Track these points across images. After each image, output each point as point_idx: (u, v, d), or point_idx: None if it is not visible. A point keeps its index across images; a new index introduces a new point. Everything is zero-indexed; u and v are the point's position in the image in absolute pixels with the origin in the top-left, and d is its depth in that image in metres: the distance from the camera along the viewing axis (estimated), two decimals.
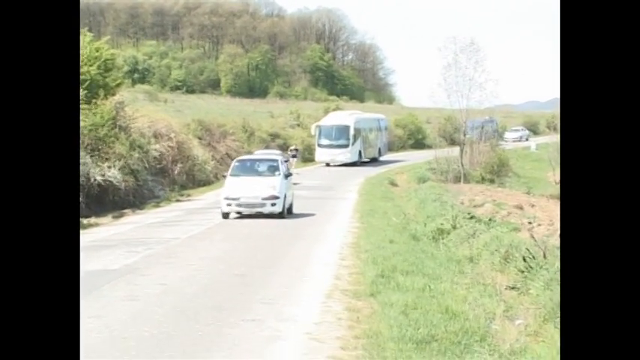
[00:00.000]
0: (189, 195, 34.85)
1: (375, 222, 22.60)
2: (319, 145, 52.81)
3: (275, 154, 37.80)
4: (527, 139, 79.36)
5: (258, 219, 23.82)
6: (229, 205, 24.30)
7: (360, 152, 53.43)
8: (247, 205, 24.36)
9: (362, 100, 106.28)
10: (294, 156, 47.12)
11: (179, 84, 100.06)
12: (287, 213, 24.86)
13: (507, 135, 78.82)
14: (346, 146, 52.03)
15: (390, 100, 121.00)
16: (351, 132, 52.01)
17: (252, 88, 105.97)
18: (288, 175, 25.91)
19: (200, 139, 45.97)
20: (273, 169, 25.65)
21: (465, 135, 45.79)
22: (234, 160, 27.48)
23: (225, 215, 24.34)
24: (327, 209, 27.41)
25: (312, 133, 53.89)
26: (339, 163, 51.67)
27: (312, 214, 25.47)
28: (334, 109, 68.04)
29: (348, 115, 56.74)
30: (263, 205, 24.18)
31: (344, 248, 17.79)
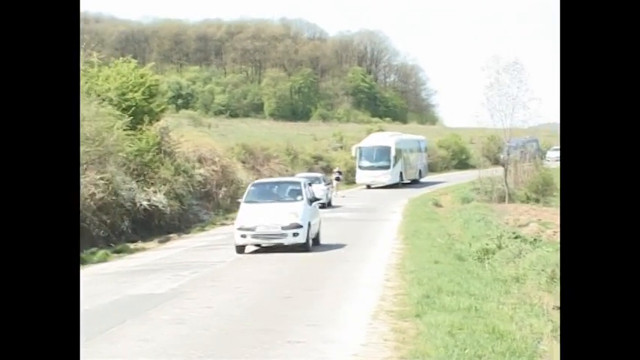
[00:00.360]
0: (233, 219, 34.94)
1: (419, 243, 22.52)
2: (360, 167, 52.61)
3: (316, 177, 37.86)
4: None
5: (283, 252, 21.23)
6: (244, 236, 21.28)
7: (401, 174, 53.10)
8: (265, 236, 21.35)
9: (405, 122, 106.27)
10: (337, 178, 47.22)
11: (222, 108, 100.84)
12: (313, 244, 21.89)
13: (549, 154, 78.08)
14: (387, 167, 51.71)
15: (433, 120, 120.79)
16: (392, 153, 51.78)
17: (294, 111, 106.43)
18: (313, 200, 22.74)
19: (244, 162, 46.26)
20: (294, 193, 22.41)
21: (508, 154, 45.50)
22: (250, 185, 24.27)
23: (240, 249, 21.40)
24: (371, 230, 27.37)
25: (353, 154, 53.82)
26: (380, 185, 51.34)
27: (355, 236, 25.45)
28: (377, 131, 68.00)
29: (388, 136, 56.58)
30: (284, 235, 21.14)
31: (389, 269, 17.73)
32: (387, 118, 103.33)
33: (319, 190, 35.67)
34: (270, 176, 43.45)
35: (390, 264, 18.65)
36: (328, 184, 38.64)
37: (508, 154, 45.27)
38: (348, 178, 54.63)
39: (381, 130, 72.53)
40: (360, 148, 53.29)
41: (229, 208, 37.73)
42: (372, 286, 15.40)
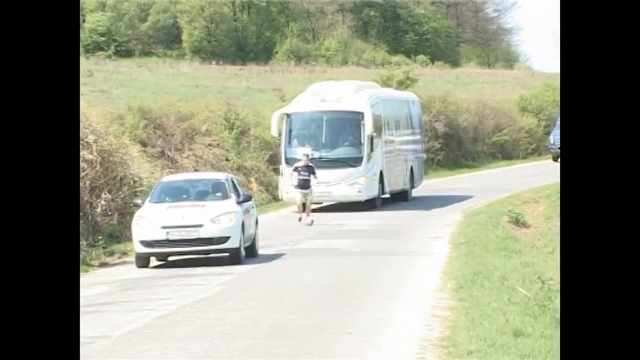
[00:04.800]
0: (124, 253, 34.96)
1: (484, 297, 22.65)
2: (288, 162, 45.31)
3: (217, 181, 33.95)
4: None
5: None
6: None
7: (381, 175, 46.76)
8: None
9: (455, 63, 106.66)
10: (305, 181, 41.40)
11: (102, 39, 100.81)
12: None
13: None
14: (357, 162, 45.05)
15: (510, 60, 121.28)
16: (367, 129, 44.65)
17: (241, 45, 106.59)
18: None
19: (145, 145, 46.22)
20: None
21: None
22: None
23: None
24: (390, 273, 27.55)
25: (274, 132, 46.95)
26: (334, 202, 45.79)
27: (362, 284, 25.59)
28: (400, 82, 67.34)
29: (354, 89, 49.08)
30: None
31: (427, 348, 17.83)
32: (421, 56, 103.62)
33: (225, 210, 30.67)
34: (196, 170, 43.21)
35: (428, 338, 18.75)
36: (245, 200, 33.04)
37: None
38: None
39: (408, 79, 72.27)
40: (289, 116, 46.81)
41: (115, 232, 37.55)
42: None
